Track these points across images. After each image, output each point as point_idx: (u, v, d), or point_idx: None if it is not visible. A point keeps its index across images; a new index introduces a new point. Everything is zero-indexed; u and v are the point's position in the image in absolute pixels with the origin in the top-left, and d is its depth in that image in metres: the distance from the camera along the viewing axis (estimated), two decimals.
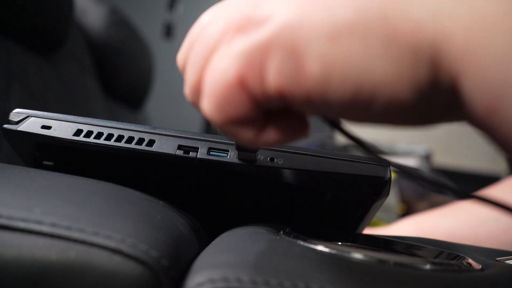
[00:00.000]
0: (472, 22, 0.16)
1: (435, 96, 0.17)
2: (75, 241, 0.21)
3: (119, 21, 1.10)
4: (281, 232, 0.30)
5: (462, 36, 0.16)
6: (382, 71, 0.17)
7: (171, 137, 0.32)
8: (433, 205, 1.58)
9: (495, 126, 0.16)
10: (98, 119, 0.33)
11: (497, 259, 0.32)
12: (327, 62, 0.17)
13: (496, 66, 0.15)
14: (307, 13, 0.18)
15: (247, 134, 0.20)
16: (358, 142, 0.22)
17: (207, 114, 0.20)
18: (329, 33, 0.17)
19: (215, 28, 0.20)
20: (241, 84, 0.19)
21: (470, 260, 0.28)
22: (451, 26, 0.16)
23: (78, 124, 0.33)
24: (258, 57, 0.18)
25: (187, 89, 0.21)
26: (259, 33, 0.18)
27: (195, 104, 0.21)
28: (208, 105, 0.19)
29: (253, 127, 0.20)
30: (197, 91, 0.20)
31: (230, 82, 0.19)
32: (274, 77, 0.18)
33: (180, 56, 0.22)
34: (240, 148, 0.31)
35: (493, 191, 0.57)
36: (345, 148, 2.19)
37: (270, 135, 0.20)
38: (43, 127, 0.33)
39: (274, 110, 0.20)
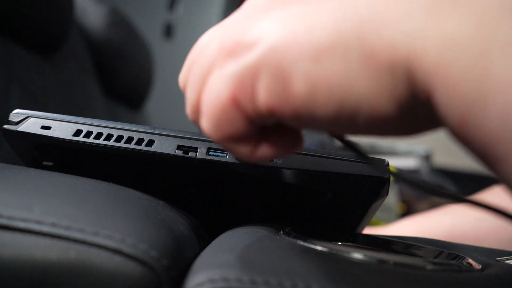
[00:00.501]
0: (442, 40, 0.17)
1: (415, 109, 0.19)
2: (75, 241, 0.21)
3: (119, 21, 1.10)
4: (281, 232, 0.30)
5: (433, 54, 0.17)
6: (363, 87, 0.18)
7: (170, 137, 0.33)
8: (433, 205, 1.58)
9: (468, 138, 0.17)
10: (97, 120, 0.33)
11: (497, 259, 0.32)
12: (311, 81, 0.18)
13: (465, 82, 0.16)
14: (291, 36, 0.19)
15: (243, 150, 0.21)
16: (354, 148, 0.23)
17: (206, 132, 0.21)
18: (312, 54, 0.18)
19: (209, 51, 0.21)
20: (234, 104, 0.20)
21: (470, 260, 0.28)
22: (423, 44, 0.17)
23: (78, 125, 0.33)
24: (248, 78, 0.19)
25: (188, 108, 0.22)
26: (248, 57, 0.20)
27: (195, 122, 0.23)
28: (206, 124, 0.21)
29: (249, 143, 0.21)
30: (197, 110, 0.22)
31: (224, 102, 0.20)
32: (264, 96, 0.19)
33: (181, 76, 0.24)
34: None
35: (484, 196, 0.57)
36: (344, 148, 2.19)
37: (265, 150, 0.22)
38: (43, 127, 0.33)
39: (268, 126, 0.21)
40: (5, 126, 0.33)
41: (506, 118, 0.15)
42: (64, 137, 0.32)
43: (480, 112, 0.16)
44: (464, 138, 0.17)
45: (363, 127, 0.19)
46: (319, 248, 0.26)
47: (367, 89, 0.18)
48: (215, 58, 0.21)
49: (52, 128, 0.33)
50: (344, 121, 0.19)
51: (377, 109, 0.18)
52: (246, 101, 0.20)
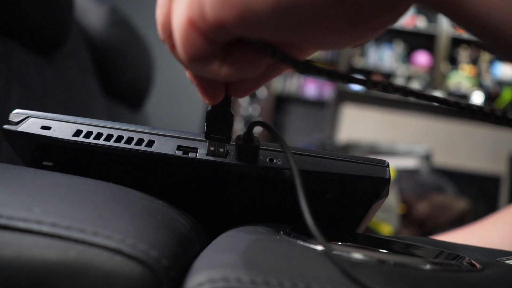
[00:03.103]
0: None
1: None
2: (75, 241, 0.21)
3: (119, 21, 1.10)
4: (281, 232, 0.30)
5: None
6: None
7: (170, 138, 0.32)
8: (433, 205, 1.58)
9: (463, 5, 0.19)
10: (97, 120, 0.33)
11: (497, 259, 0.32)
12: None
13: None
14: None
15: (210, 69, 0.23)
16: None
17: (179, 58, 0.24)
18: None
19: None
20: (191, 25, 0.22)
21: (470, 260, 0.28)
22: None
23: (78, 125, 0.33)
24: None
25: (158, 27, 0.25)
26: None
27: (164, 41, 0.25)
28: (178, 49, 0.23)
29: (214, 62, 0.23)
30: (165, 29, 0.24)
31: (184, 24, 0.22)
32: (210, 10, 0.21)
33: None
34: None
35: (492, 220, 0.57)
36: (344, 148, 2.19)
37: (227, 69, 0.24)
38: (43, 127, 0.33)
39: (225, 42, 0.23)
40: (5, 126, 0.33)
41: None
42: (64, 137, 0.32)
43: None
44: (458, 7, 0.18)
45: (310, 21, 0.20)
46: (319, 248, 0.26)
47: None
48: None
49: (52, 128, 0.33)
50: (288, 16, 0.20)
51: None
52: (198, 20, 0.22)
